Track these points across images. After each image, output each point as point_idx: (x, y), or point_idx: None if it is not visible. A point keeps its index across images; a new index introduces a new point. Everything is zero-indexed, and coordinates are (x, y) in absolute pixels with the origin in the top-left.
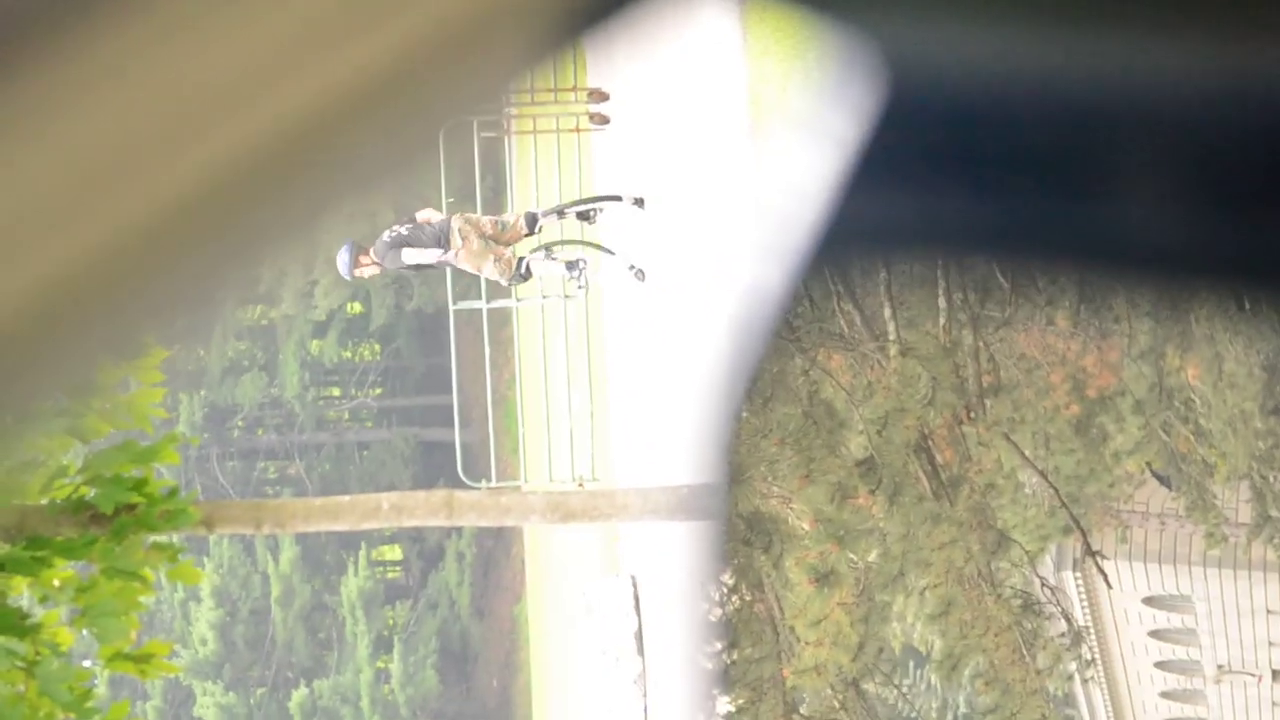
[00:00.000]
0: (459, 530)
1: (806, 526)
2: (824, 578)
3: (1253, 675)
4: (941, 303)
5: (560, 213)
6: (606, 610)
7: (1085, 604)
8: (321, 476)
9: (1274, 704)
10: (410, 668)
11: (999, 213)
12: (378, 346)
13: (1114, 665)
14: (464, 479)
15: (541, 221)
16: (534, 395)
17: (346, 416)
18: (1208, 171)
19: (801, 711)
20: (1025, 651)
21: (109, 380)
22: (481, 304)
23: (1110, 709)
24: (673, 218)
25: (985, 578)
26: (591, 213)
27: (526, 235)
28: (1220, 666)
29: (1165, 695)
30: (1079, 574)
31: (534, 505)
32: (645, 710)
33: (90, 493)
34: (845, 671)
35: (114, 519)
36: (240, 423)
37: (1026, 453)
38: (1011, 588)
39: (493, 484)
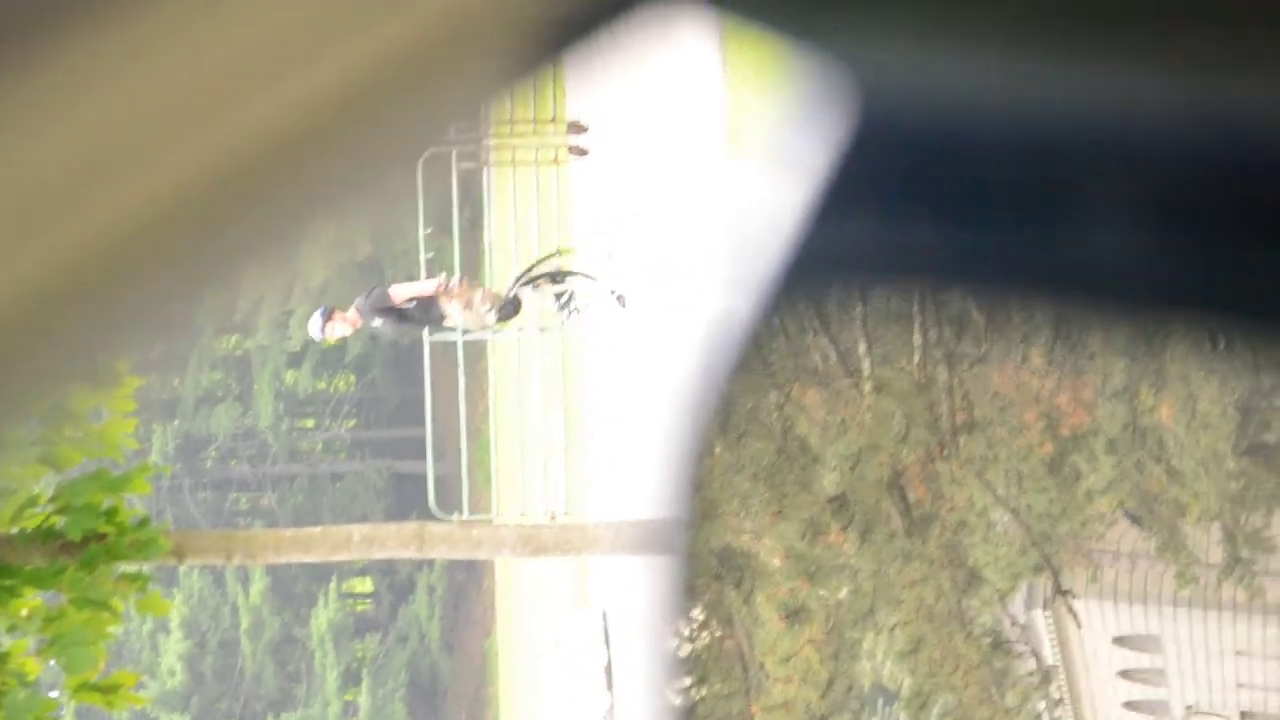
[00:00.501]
0: (430, 563)
1: (778, 562)
2: (794, 614)
3: (1221, 716)
4: (917, 339)
5: (533, 282)
6: (576, 645)
7: (1055, 643)
8: (294, 508)
9: None
10: (379, 701)
11: (972, 243)
12: (352, 378)
13: (1082, 705)
14: (436, 511)
15: (519, 293)
16: (508, 428)
17: (320, 448)
18: (1181, 204)
19: None
20: (994, 690)
21: (81, 409)
22: (457, 336)
23: None
24: (649, 245)
25: (955, 616)
26: (563, 283)
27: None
28: (1189, 707)
29: None
30: (1049, 613)
31: (505, 539)
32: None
33: (60, 521)
34: (814, 709)
35: (84, 548)
36: (213, 453)
37: (999, 491)
38: (981, 626)
39: (465, 517)
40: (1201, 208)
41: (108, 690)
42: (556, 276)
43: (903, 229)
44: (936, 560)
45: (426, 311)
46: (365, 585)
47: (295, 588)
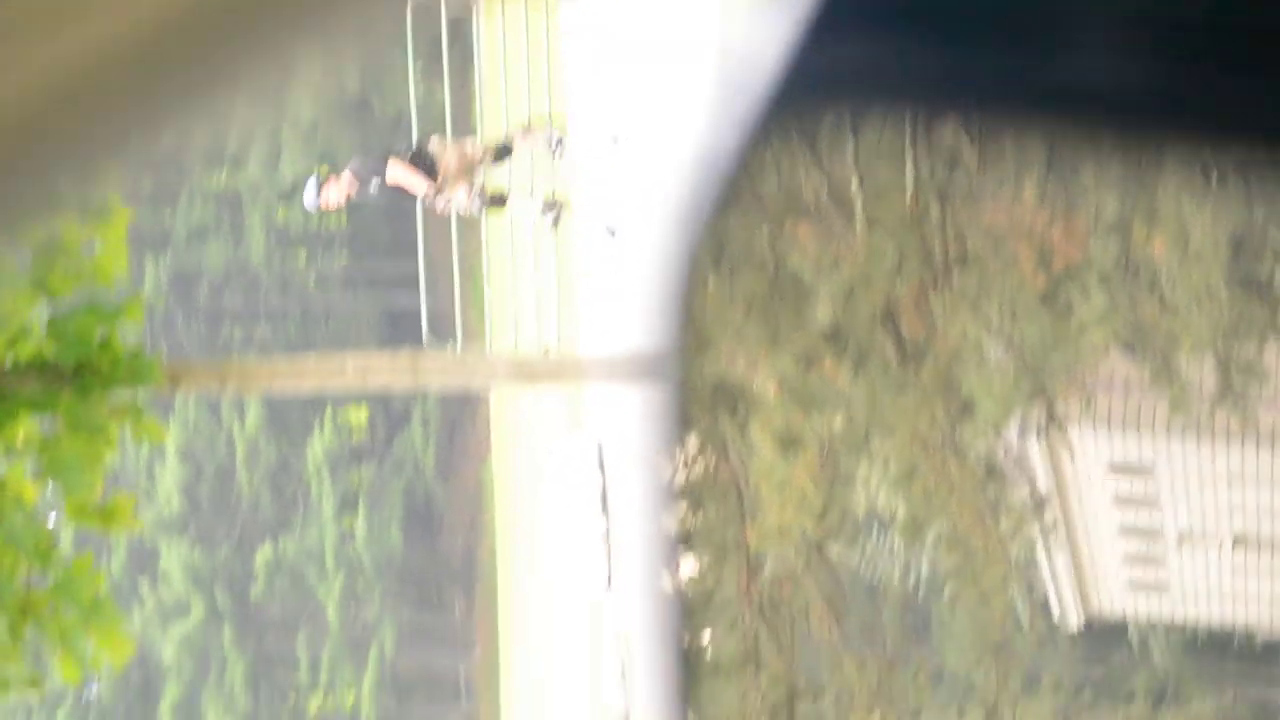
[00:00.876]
0: (424, 394)
1: (772, 392)
2: (789, 443)
3: (1214, 541)
4: (909, 174)
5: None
6: (572, 471)
7: (1048, 471)
8: (287, 342)
9: (1234, 570)
10: (375, 528)
11: (965, 68)
12: (344, 213)
13: (1076, 531)
14: (430, 344)
15: (506, 194)
16: (501, 262)
17: (313, 282)
18: (1175, 28)
19: (765, 572)
20: (988, 517)
21: (74, 241)
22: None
23: (1072, 572)
24: (641, 76)
25: (949, 444)
26: (558, 146)
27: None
28: (1182, 533)
29: (1127, 559)
30: (1042, 441)
31: (499, 367)
32: (609, 570)
33: (54, 349)
34: (809, 535)
35: (78, 376)
36: (206, 287)
37: (992, 323)
38: (975, 454)
39: (458, 349)
40: (1196, 31)
41: (105, 514)
42: (550, 205)
43: (894, 54)
44: (930, 390)
45: (418, 165)
46: (360, 416)
47: (291, 418)
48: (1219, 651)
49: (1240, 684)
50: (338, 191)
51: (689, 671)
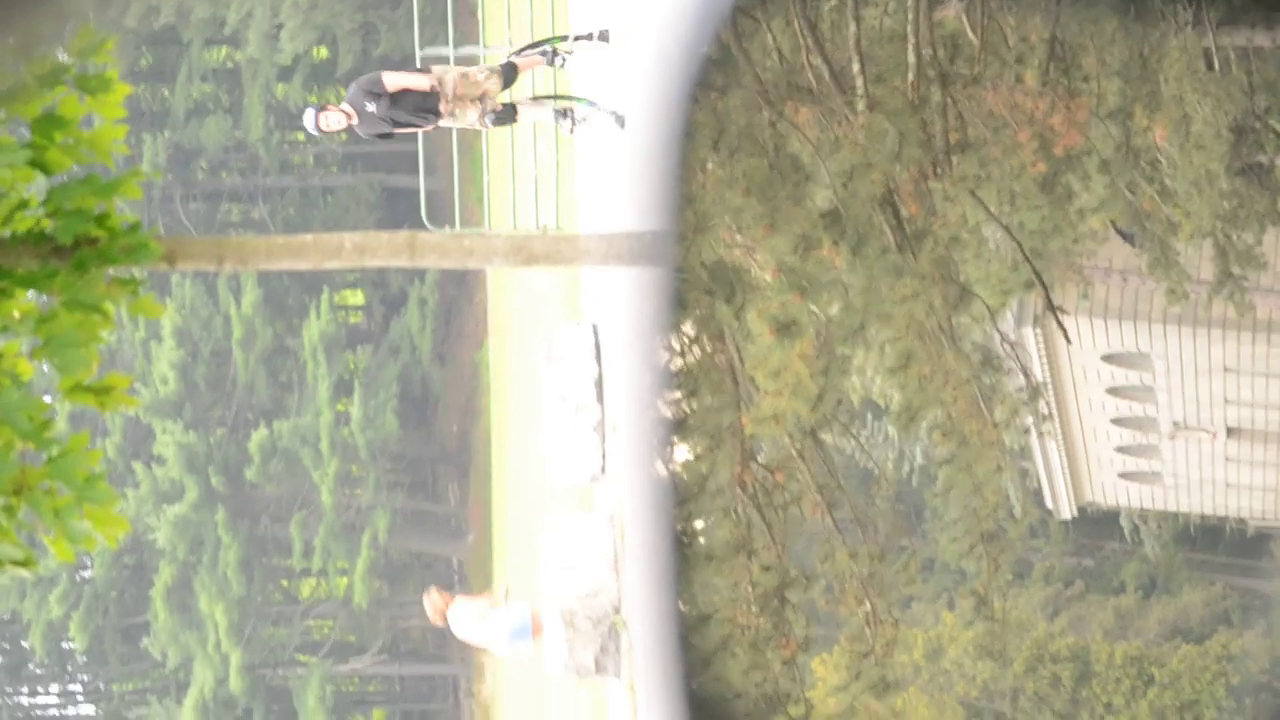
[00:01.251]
0: (422, 276)
1: (769, 277)
2: (785, 328)
3: (1207, 432)
4: (910, 59)
5: (541, 52)
6: (568, 358)
7: (1044, 360)
8: (285, 221)
9: (1227, 459)
10: (370, 411)
11: None
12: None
13: (1070, 420)
14: (428, 225)
15: (518, 63)
16: (500, 143)
17: (311, 161)
18: None
19: (759, 460)
20: (983, 405)
21: (72, 115)
22: (449, 49)
23: (1065, 462)
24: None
25: (945, 332)
26: (562, 56)
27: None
28: (1176, 423)
29: (1120, 450)
30: (1039, 330)
31: (497, 247)
32: (604, 456)
33: (51, 225)
34: (803, 421)
35: (75, 251)
36: (204, 165)
37: (991, 208)
38: (971, 342)
39: (457, 230)
40: None
41: (100, 392)
42: (562, 112)
43: None
44: (928, 276)
45: (421, 106)
46: (357, 298)
47: (287, 299)
48: (1210, 542)
49: (1231, 574)
50: (338, 117)
51: (681, 558)
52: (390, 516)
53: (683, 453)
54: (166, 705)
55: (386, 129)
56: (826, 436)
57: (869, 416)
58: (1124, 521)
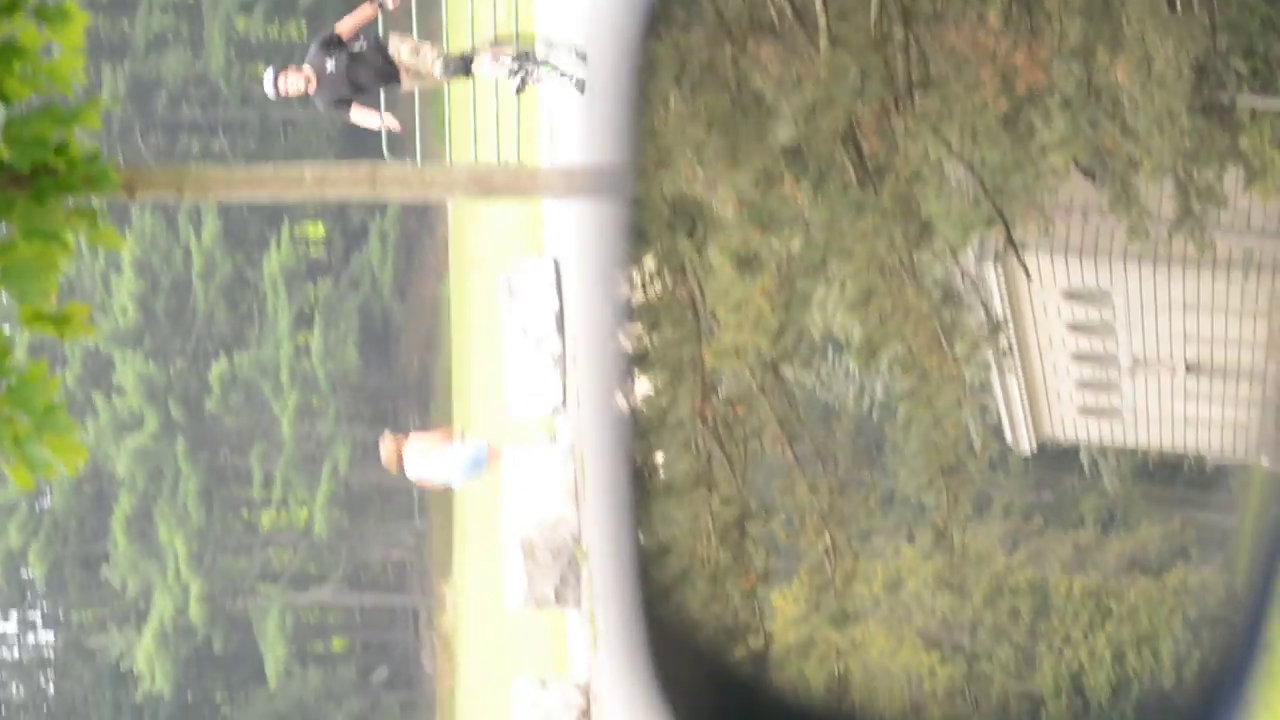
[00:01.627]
0: (383, 210)
1: (731, 211)
2: (746, 263)
3: (1167, 368)
4: None
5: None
6: (528, 291)
7: (1005, 296)
8: (245, 153)
9: (1186, 395)
10: (330, 344)
11: None
12: (304, 24)
13: (1031, 356)
14: (389, 159)
15: (477, 69)
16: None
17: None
18: None
19: (720, 393)
20: (944, 340)
21: (31, 44)
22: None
23: (1025, 398)
24: None
25: (906, 268)
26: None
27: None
28: (1136, 359)
29: (1080, 385)
30: (1000, 266)
31: (458, 179)
32: (564, 389)
33: (10, 154)
34: (764, 355)
35: (34, 181)
36: (164, 97)
37: (953, 145)
38: (932, 278)
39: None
40: None
41: (59, 321)
42: (521, 58)
43: None
44: (889, 212)
45: (377, 59)
46: (317, 230)
47: (248, 231)
48: (1169, 477)
49: (1189, 509)
50: (297, 78)
51: (641, 491)
52: (350, 448)
53: (643, 386)
54: (126, 633)
55: (345, 93)
56: (787, 371)
57: (830, 351)
58: (1083, 456)
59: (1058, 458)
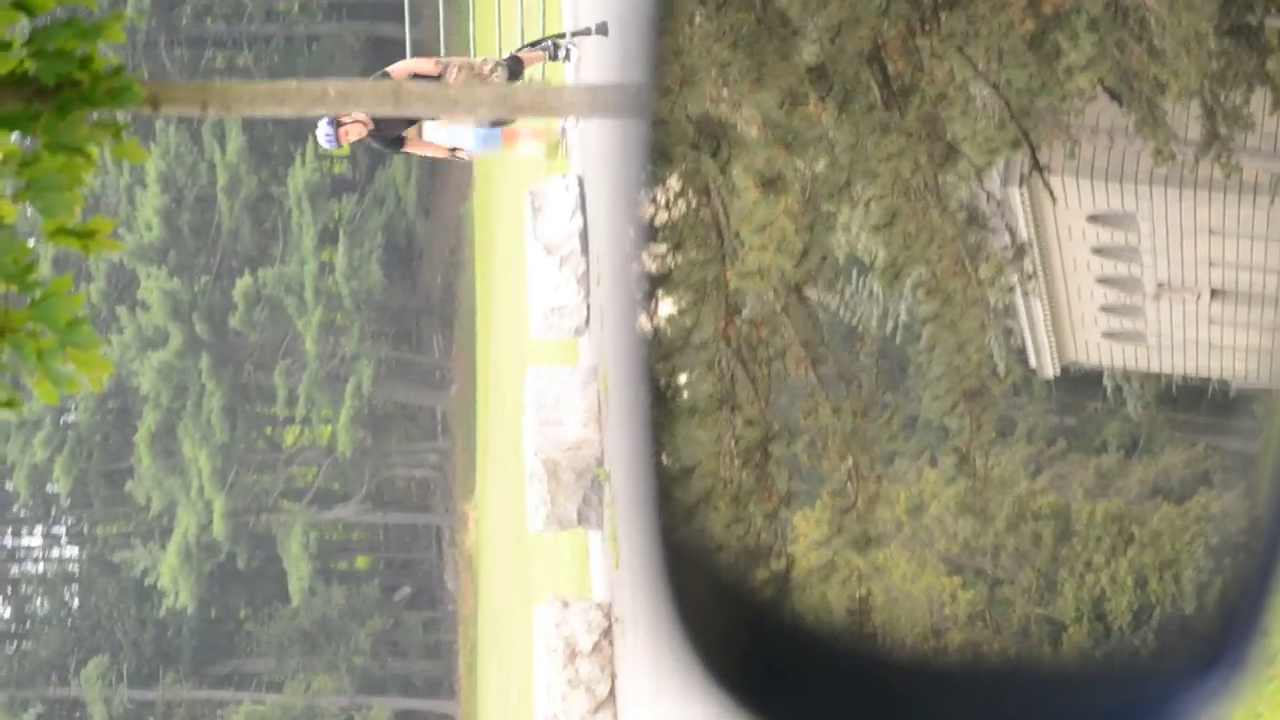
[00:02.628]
0: None
1: (755, 132)
2: (770, 183)
3: (1191, 293)
4: None
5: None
6: (552, 210)
7: (1030, 219)
8: (270, 68)
9: (1210, 321)
10: (355, 261)
11: None
12: None
13: (1055, 280)
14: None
15: (523, 57)
16: None
17: (296, 9)
18: None
19: (743, 314)
20: (968, 263)
21: None
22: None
23: (1049, 322)
24: None
25: (931, 190)
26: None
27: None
28: (1160, 284)
29: (1105, 310)
30: (1025, 189)
31: (482, 97)
32: (588, 309)
33: (34, 66)
34: (788, 276)
35: (58, 93)
36: (189, 11)
37: (979, 66)
38: (957, 200)
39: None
40: None
41: (84, 235)
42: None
43: None
44: (914, 133)
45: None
46: (342, 147)
47: (272, 147)
48: (1192, 403)
49: (1212, 435)
50: (356, 129)
51: (664, 412)
52: (374, 366)
53: (667, 306)
54: (150, 549)
55: (401, 130)
56: (811, 293)
57: (854, 273)
58: (1107, 381)
59: (1081, 382)
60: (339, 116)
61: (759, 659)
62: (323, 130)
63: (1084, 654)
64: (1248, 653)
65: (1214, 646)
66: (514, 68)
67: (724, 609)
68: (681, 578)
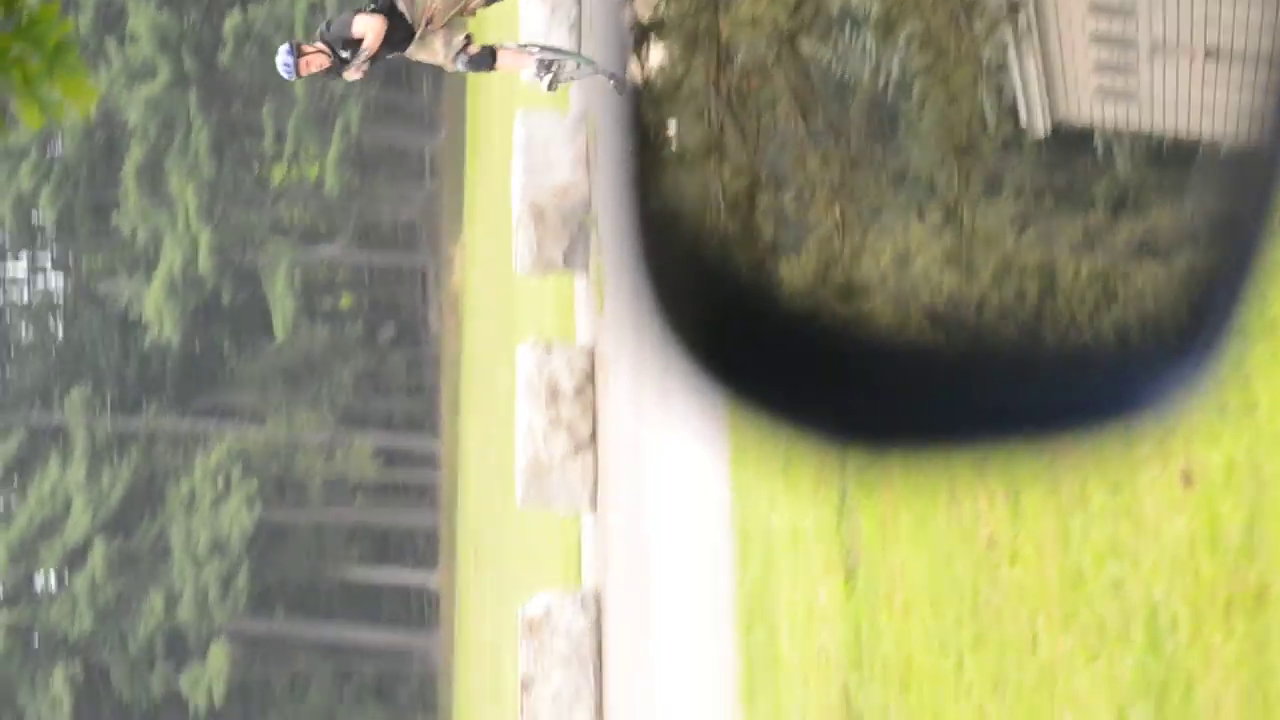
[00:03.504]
0: None
1: None
2: None
3: (1187, 52)
4: None
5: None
6: None
7: None
8: None
9: (1204, 81)
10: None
11: None
12: None
13: (1049, 36)
14: None
15: (496, 50)
16: None
17: None
18: None
19: (734, 65)
20: (962, 18)
21: None
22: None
23: (1042, 78)
24: None
25: None
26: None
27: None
28: (1155, 42)
29: (1098, 67)
30: None
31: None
32: (579, 53)
33: None
34: (782, 26)
35: None
36: None
37: None
38: None
39: None
40: None
41: None
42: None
43: None
44: None
45: (392, 40)
46: None
47: None
48: (1182, 163)
49: (1200, 195)
50: (319, 58)
51: (652, 159)
52: (363, 106)
53: (658, 54)
54: (135, 281)
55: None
56: (804, 44)
57: (847, 24)
58: (1097, 140)
59: (1071, 140)
60: (300, 45)
61: (743, 354)
62: (281, 59)
63: (1062, 341)
64: (1222, 336)
65: (1187, 335)
66: (482, 58)
67: (704, 291)
68: (666, 288)
